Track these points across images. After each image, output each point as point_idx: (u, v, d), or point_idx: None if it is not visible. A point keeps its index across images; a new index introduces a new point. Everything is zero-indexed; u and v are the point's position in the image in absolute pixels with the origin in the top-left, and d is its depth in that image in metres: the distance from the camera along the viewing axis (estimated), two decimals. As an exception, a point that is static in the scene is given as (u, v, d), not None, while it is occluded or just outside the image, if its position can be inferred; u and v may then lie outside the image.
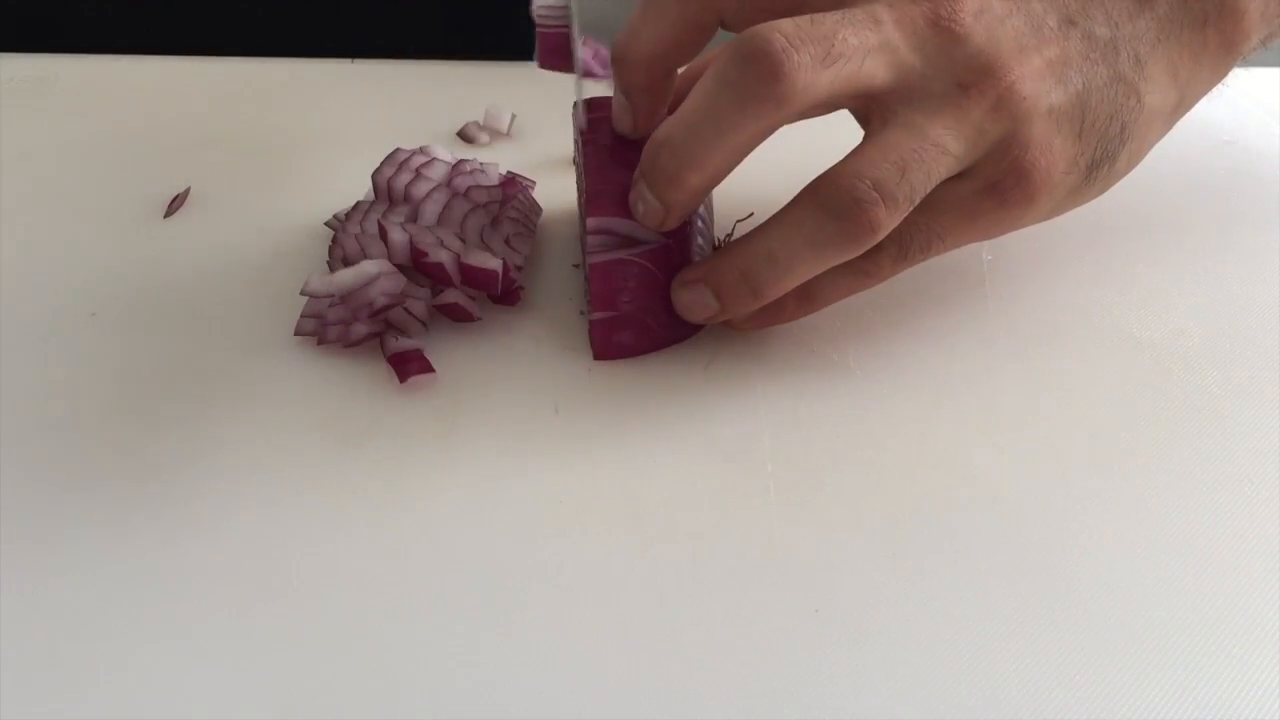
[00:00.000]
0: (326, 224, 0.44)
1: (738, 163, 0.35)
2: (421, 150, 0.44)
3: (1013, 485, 0.34)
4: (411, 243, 0.39)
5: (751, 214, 0.39)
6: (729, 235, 0.40)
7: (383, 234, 0.40)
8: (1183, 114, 0.39)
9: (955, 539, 0.32)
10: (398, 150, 0.43)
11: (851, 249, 0.34)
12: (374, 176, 0.43)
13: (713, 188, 0.36)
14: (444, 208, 0.41)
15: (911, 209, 0.34)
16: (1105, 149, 0.36)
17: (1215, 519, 0.33)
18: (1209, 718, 0.28)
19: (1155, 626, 0.30)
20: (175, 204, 0.45)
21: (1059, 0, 0.36)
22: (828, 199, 0.34)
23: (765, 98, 0.33)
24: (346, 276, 0.38)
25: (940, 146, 0.34)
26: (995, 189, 0.35)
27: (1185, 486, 0.34)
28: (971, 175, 0.35)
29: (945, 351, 0.39)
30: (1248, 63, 0.41)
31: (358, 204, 0.43)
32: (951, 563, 0.31)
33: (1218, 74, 0.39)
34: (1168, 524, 0.33)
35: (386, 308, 0.38)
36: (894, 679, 0.28)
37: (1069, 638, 0.29)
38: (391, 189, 0.42)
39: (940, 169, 0.34)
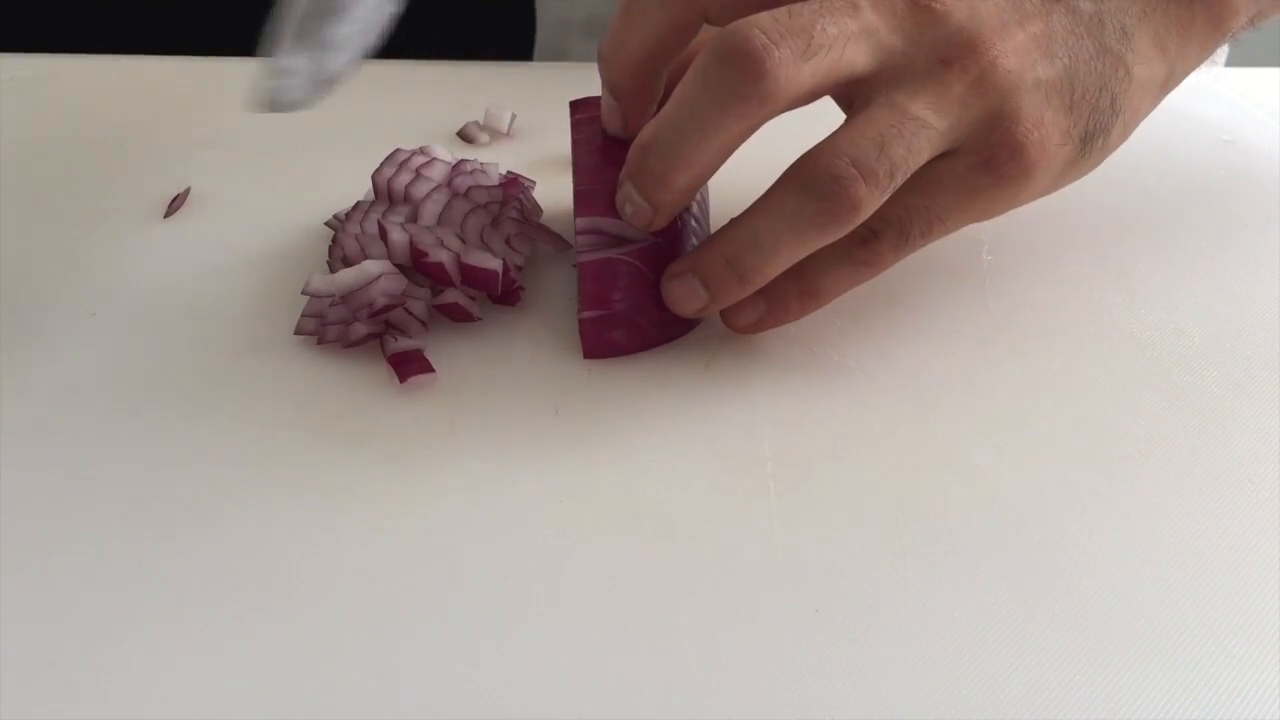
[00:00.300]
0: (326, 224, 0.44)
1: (724, 160, 0.35)
2: (421, 150, 0.44)
3: (1012, 485, 0.34)
4: (411, 243, 0.39)
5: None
6: None
7: (383, 234, 0.40)
8: (1172, 88, 0.39)
9: (955, 539, 0.32)
10: (398, 150, 0.43)
11: (834, 228, 0.34)
12: (374, 177, 0.43)
13: (700, 186, 0.36)
14: (444, 208, 0.41)
15: (895, 187, 0.34)
16: (1097, 121, 0.36)
17: (1215, 519, 0.33)
18: (1209, 718, 0.28)
19: (1155, 626, 0.30)
20: (175, 204, 0.45)
21: None
22: (807, 179, 0.34)
23: (748, 96, 0.33)
24: (348, 276, 0.38)
25: (919, 120, 0.34)
26: (990, 164, 0.35)
27: (1185, 486, 0.34)
28: (965, 152, 0.35)
29: (945, 352, 0.39)
30: (1247, 62, 0.41)
31: (358, 204, 0.43)
32: (951, 563, 0.31)
33: (1206, 50, 0.39)
34: (1168, 524, 0.33)
35: (387, 308, 0.38)
36: (894, 679, 0.28)
37: (1069, 638, 0.29)
38: (391, 189, 0.42)
39: (921, 142, 0.34)
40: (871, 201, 0.34)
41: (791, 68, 0.32)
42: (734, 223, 0.36)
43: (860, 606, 0.30)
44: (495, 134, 0.51)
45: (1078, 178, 0.38)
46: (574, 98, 0.43)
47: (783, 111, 0.34)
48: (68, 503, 0.33)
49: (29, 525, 0.32)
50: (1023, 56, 0.35)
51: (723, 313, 0.38)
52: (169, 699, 0.28)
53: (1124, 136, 0.38)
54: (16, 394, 0.36)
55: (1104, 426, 0.36)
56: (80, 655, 0.29)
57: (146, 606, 0.30)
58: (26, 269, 0.42)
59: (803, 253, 0.35)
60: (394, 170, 0.42)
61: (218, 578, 0.31)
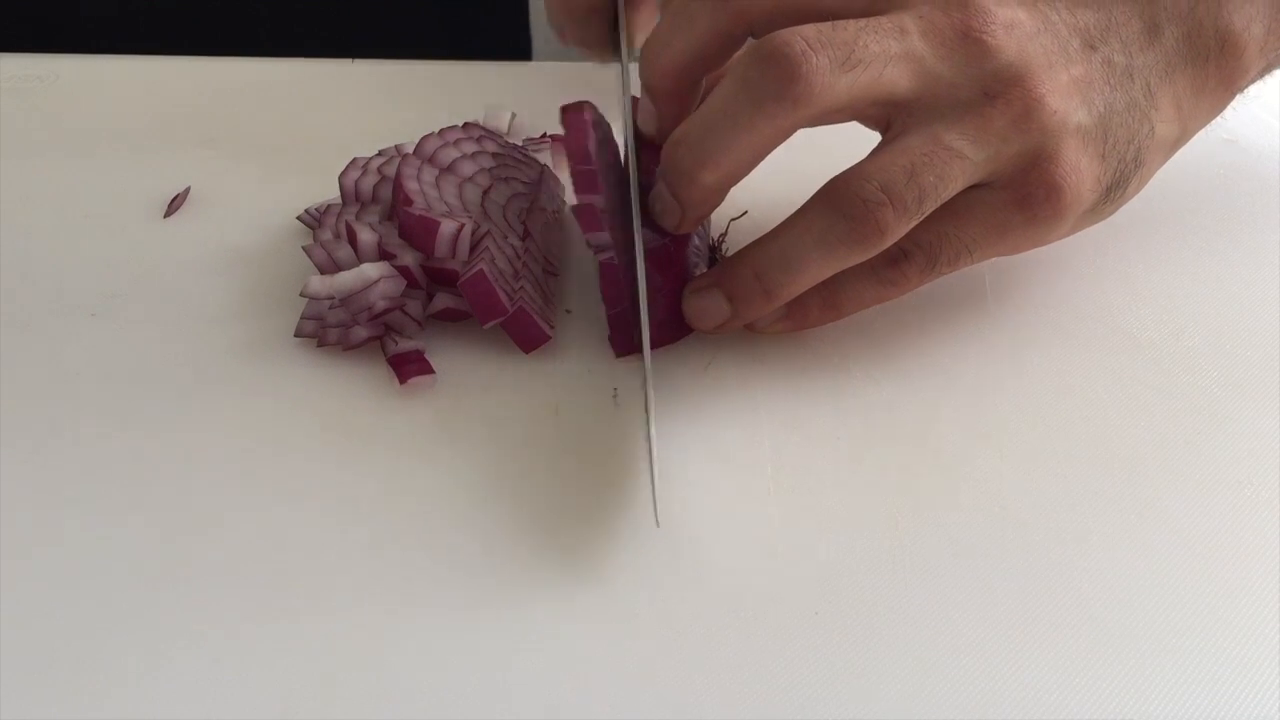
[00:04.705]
0: (298, 218, 0.44)
1: (754, 163, 0.35)
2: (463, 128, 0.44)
3: (1012, 485, 0.34)
4: (380, 244, 0.39)
5: (745, 212, 0.39)
6: (724, 234, 0.40)
7: (351, 236, 0.39)
8: (1180, 147, 0.39)
9: (955, 539, 0.32)
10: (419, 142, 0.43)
11: (860, 251, 0.34)
12: (402, 173, 0.42)
13: (729, 187, 0.36)
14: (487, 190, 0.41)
15: (924, 214, 0.34)
16: (1122, 173, 0.37)
17: (1215, 519, 0.33)
18: (1209, 718, 0.28)
19: (1155, 626, 0.30)
20: (175, 204, 0.45)
21: (1080, 25, 0.36)
22: (837, 201, 0.34)
23: (781, 98, 0.33)
24: (346, 279, 0.38)
25: (953, 150, 0.34)
26: (1025, 202, 0.35)
27: (1185, 486, 0.34)
28: (1001, 186, 0.35)
29: (946, 351, 0.39)
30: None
31: (329, 207, 0.43)
32: (951, 563, 0.31)
33: (1215, 109, 0.39)
34: (1168, 524, 0.33)
35: (386, 311, 0.38)
36: (894, 679, 0.28)
37: (1069, 638, 0.29)
38: (359, 190, 0.42)
39: (954, 171, 0.34)
40: (898, 227, 0.34)
41: (827, 75, 0.33)
42: (762, 240, 0.36)
43: (860, 607, 0.30)
44: (495, 134, 0.51)
45: (1087, 227, 0.39)
46: (576, 96, 0.43)
47: (816, 121, 0.34)
48: (68, 503, 0.33)
49: (29, 525, 0.32)
50: (1067, 98, 0.35)
51: None
52: (169, 700, 0.28)
53: (1136, 191, 0.39)
54: (16, 394, 0.36)
55: (1104, 426, 0.36)
56: (80, 656, 0.29)
57: (146, 607, 0.30)
58: (26, 269, 0.42)
59: (828, 272, 0.35)
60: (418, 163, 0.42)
61: (218, 578, 0.31)
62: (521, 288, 0.38)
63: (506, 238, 0.39)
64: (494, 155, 0.43)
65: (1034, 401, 0.37)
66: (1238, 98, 0.40)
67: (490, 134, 0.44)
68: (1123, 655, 0.29)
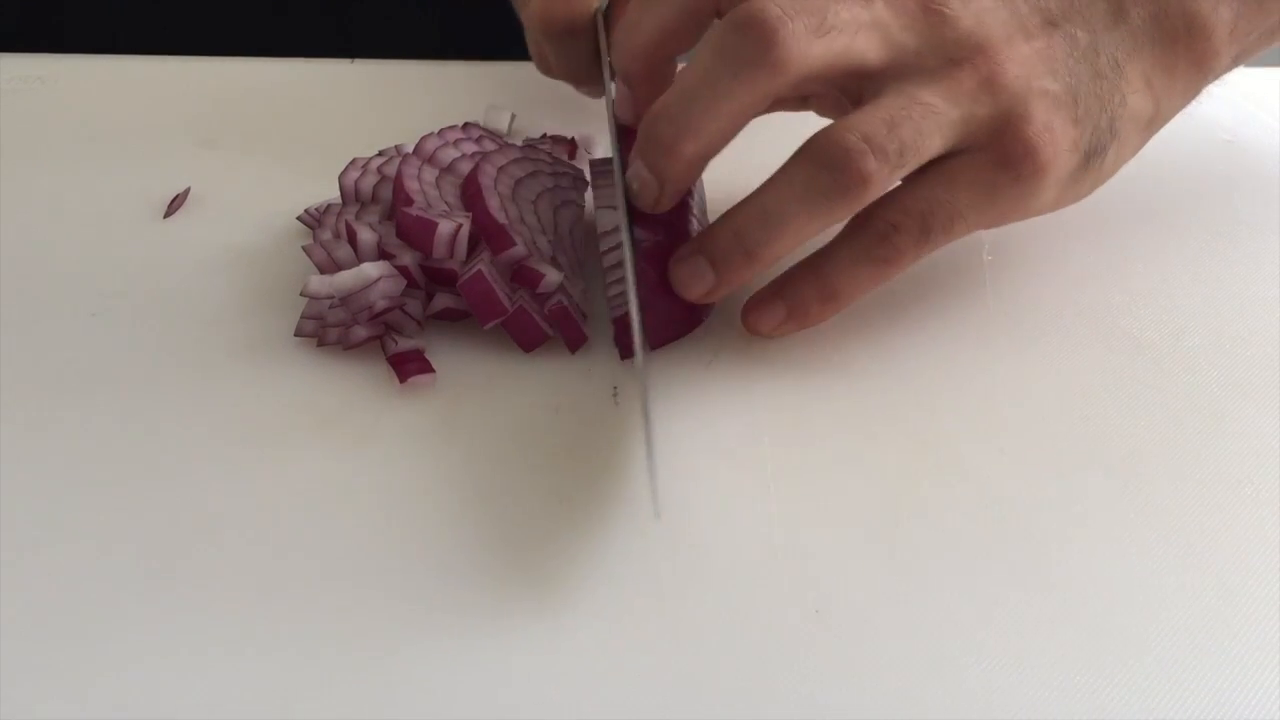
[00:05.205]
0: (298, 219, 0.44)
1: (733, 133, 0.35)
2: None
3: (1013, 485, 0.34)
4: (380, 244, 0.39)
5: None
6: None
7: (350, 236, 0.39)
8: (1158, 128, 0.40)
9: (955, 539, 0.32)
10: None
11: (842, 203, 0.34)
12: (401, 170, 0.42)
13: (708, 158, 0.36)
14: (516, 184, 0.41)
15: (904, 168, 0.34)
16: (1099, 140, 0.37)
17: (1215, 519, 0.33)
18: (1209, 718, 0.28)
19: (1154, 626, 0.30)
20: (175, 204, 0.45)
21: (1041, 5, 0.37)
22: (818, 153, 0.34)
23: (760, 64, 0.33)
24: (346, 279, 0.38)
25: (928, 105, 0.34)
26: (1006, 161, 0.35)
27: (1185, 486, 0.34)
28: (980, 149, 0.36)
29: (946, 351, 0.39)
30: (1249, 62, 0.41)
31: (329, 207, 0.43)
32: (952, 563, 0.31)
33: (1190, 91, 0.40)
34: (1168, 524, 0.33)
35: (386, 310, 0.38)
36: (894, 679, 0.28)
37: (1068, 638, 0.29)
38: (360, 190, 0.42)
39: (931, 126, 0.34)
40: (880, 178, 0.34)
41: (804, 41, 0.33)
42: (743, 200, 0.36)
43: (860, 606, 0.30)
44: (495, 134, 0.51)
45: (1075, 200, 0.39)
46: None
47: (793, 88, 0.34)
48: (68, 503, 0.33)
49: (29, 525, 0.32)
50: (1028, 66, 0.36)
51: (744, 317, 0.38)
52: (169, 699, 0.28)
53: (1116, 166, 0.39)
54: (17, 394, 0.36)
55: (1104, 426, 0.36)
56: (80, 655, 0.29)
57: (146, 607, 0.30)
58: (26, 269, 0.42)
59: (811, 228, 0.35)
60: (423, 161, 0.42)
61: (218, 577, 0.31)
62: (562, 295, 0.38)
63: (553, 244, 0.39)
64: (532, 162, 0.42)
65: (1034, 401, 0.37)
66: (1218, 85, 0.40)
67: (490, 134, 0.44)
68: (1123, 655, 0.29)
